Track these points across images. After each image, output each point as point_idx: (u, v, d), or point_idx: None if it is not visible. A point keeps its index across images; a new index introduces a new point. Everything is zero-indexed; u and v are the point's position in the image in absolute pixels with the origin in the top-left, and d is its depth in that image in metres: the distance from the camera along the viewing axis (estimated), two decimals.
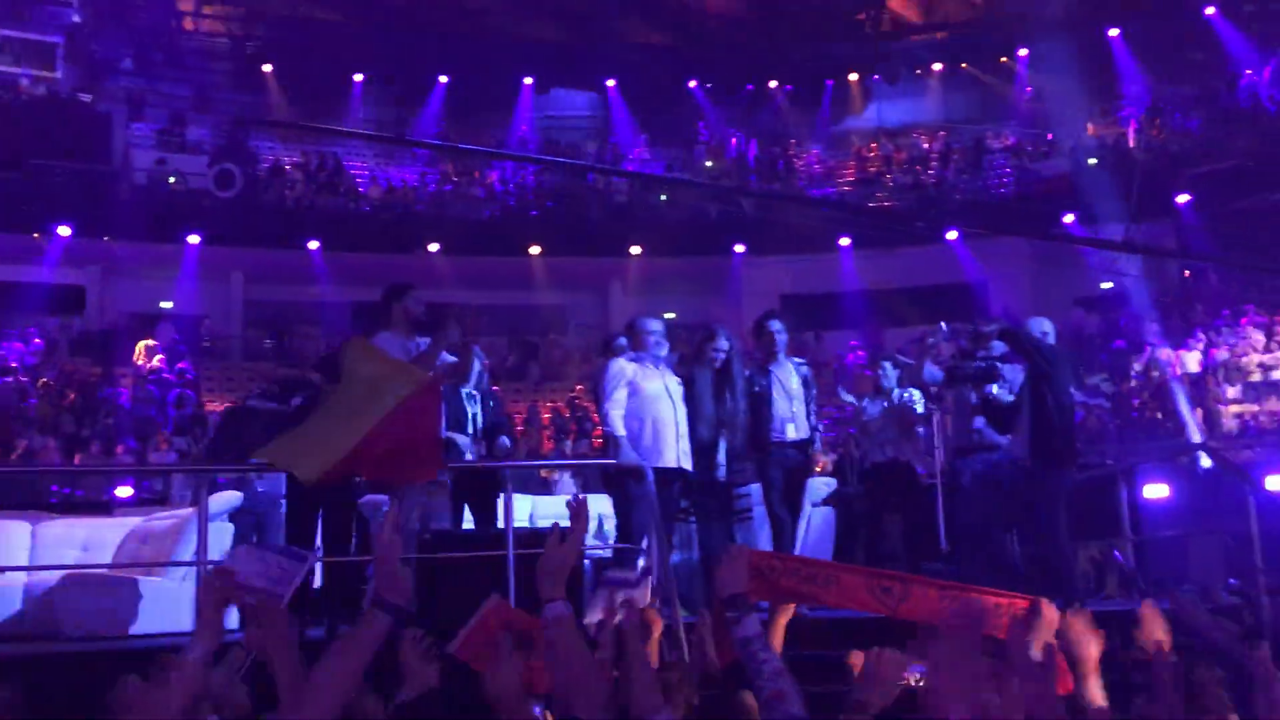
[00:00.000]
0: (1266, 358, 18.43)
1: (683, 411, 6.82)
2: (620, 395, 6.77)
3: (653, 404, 6.75)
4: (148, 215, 20.36)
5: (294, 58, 24.29)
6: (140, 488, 15.00)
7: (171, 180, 21.47)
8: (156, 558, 7.28)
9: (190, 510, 7.03)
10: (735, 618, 2.74)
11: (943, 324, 7.54)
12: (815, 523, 8.64)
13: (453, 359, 6.76)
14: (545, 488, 11.91)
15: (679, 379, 7.01)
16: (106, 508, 12.04)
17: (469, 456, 7.28)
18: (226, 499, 7.96)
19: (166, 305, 22.02)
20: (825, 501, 8.94)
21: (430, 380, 6.00)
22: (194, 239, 20.79)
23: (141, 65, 23.98)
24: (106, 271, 21.71)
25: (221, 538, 7.73)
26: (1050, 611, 3.49)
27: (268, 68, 24.46)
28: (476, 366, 7.39)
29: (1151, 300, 20.16)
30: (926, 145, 25.32)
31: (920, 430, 8.15)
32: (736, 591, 2.80)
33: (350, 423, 5.69)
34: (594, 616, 5.30)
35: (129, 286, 21.78)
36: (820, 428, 7.63)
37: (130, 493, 14.55)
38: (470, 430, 7.40)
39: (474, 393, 7.38)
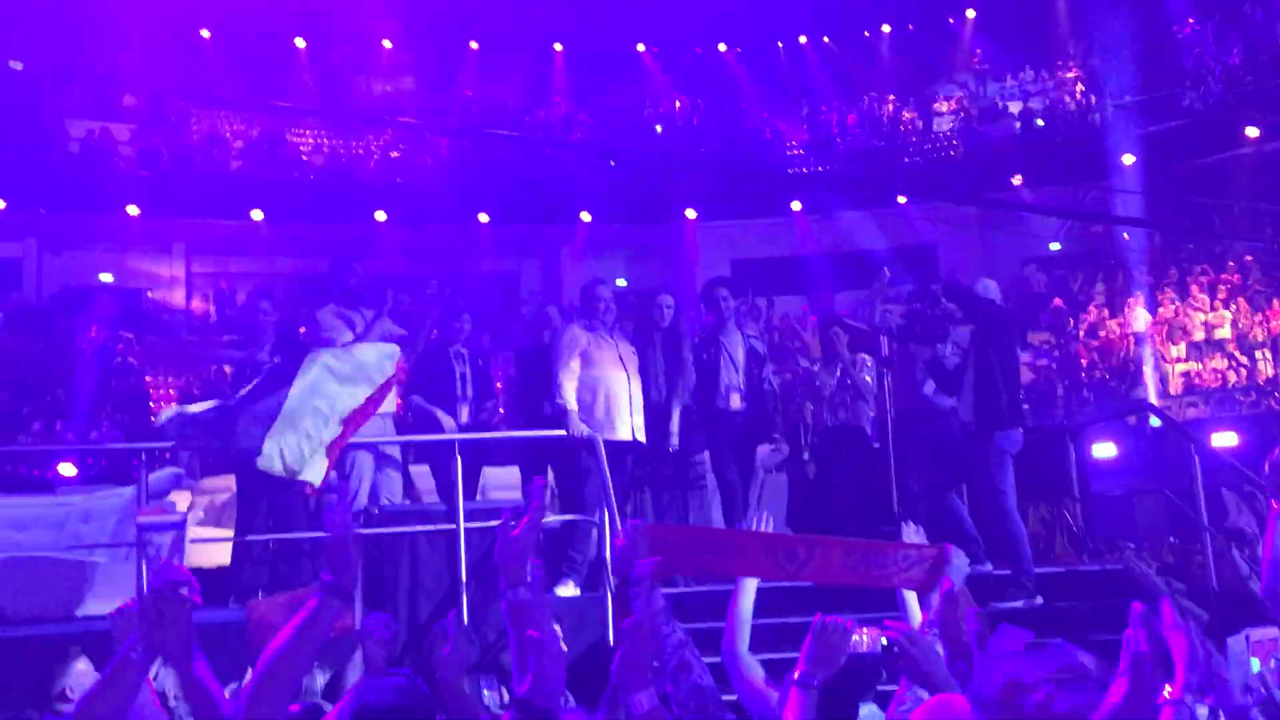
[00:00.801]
0: (1211, 316, 18.72)
1: (636, 383, 6.76)
2: (574, 365, 6.68)
3: (605, 374, 6.68)
4: (83, 186, 19.89)
5: (232, 22, 23.73)
6: (84, 465, 14.75)
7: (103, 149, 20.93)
8: (98, 537, 7.15)
9: (133, 489, 6.87)
10: (641, 593, 2.74)
11: (885, 269, 7.54)
12: (767, 489, 8.64)
13: (400, 330, 6.66)
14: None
15: (634, 348, 6.95)
16: (49, 486, 11.83)
17: (457, 423, 7.07)
18: (169, 475, 7.84)
19: (107, 278, 21.56)
20: (777, 468, 8.94)
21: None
22: (133, 210, 20.32)
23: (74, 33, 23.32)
24: (42, 245, 21.20)
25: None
26: (958, 558, 3.54)
27: (205, 33, 23.90)
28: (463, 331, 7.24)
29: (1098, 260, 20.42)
30: (877, 109, 25.34)
31: (871, 395, 8.16)
32: (638, 567, 2.80)
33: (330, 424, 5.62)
34: None
35: (66, 260, 21.27)
36: (778, 394, 7.56)
37: (74, 471, 14.31)
38: (459, 390, 7.22)
39: (461, 350, 7.20)
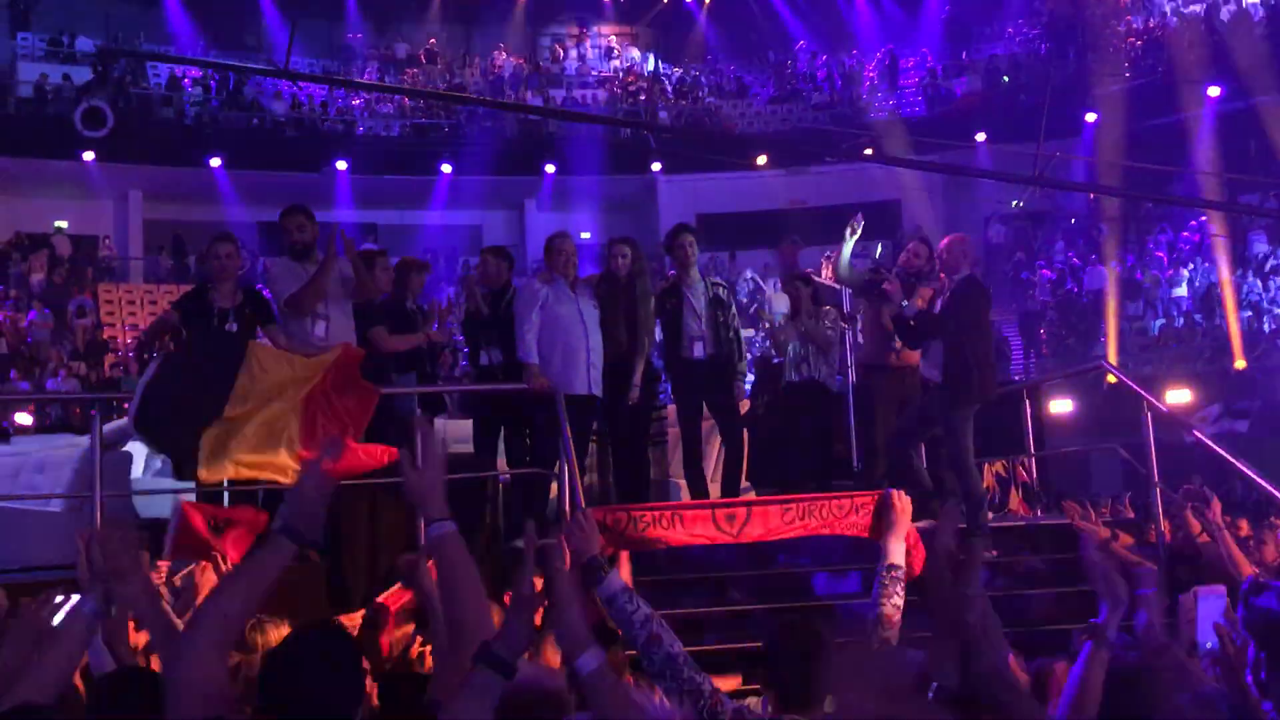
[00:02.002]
0: (1168, 274, 18.94)
1: (596, 337, 6.73)
2: (534, 318, 6.65)
3: (564, 328, 6.65)
4: (37, 130, 19.48)
5: None
6: (38, 414, 14.60)
7: (55, 94, 20.47)
8: (54, 488, 7.08)
9: (87, 439, 6.79)
10: (597, 579, 2.77)
11: (859, 216, 7.44)
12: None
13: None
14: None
15: (595, 302, 6.90)
16: (4, 435, 11.69)
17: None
18: (125, 426, 7.75)
19: (61, 224, 21.19)
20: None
21: (341, 356, 5.63)
22: (88, 155, 19.91)
23: None
24: None
25: (122, 466, 7.54)
26: (900, 501, 3.61)
27: None
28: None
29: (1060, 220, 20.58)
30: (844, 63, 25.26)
31: (833, 349, 8.17)
32: (592, 554, 2.82)
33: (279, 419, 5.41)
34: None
35: (20, 205, 20.86)
36: (743, 343, 7.51)
37: (29, 420, 14.16)
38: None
39: (415, 307, 7.11)
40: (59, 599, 2.57)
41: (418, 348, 6.80)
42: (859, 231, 7.34)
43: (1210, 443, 6.24)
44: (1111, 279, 18.73)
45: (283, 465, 5.37)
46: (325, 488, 2.26)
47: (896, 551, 3.67)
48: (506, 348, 6.78)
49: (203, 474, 5.36)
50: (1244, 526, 6.28)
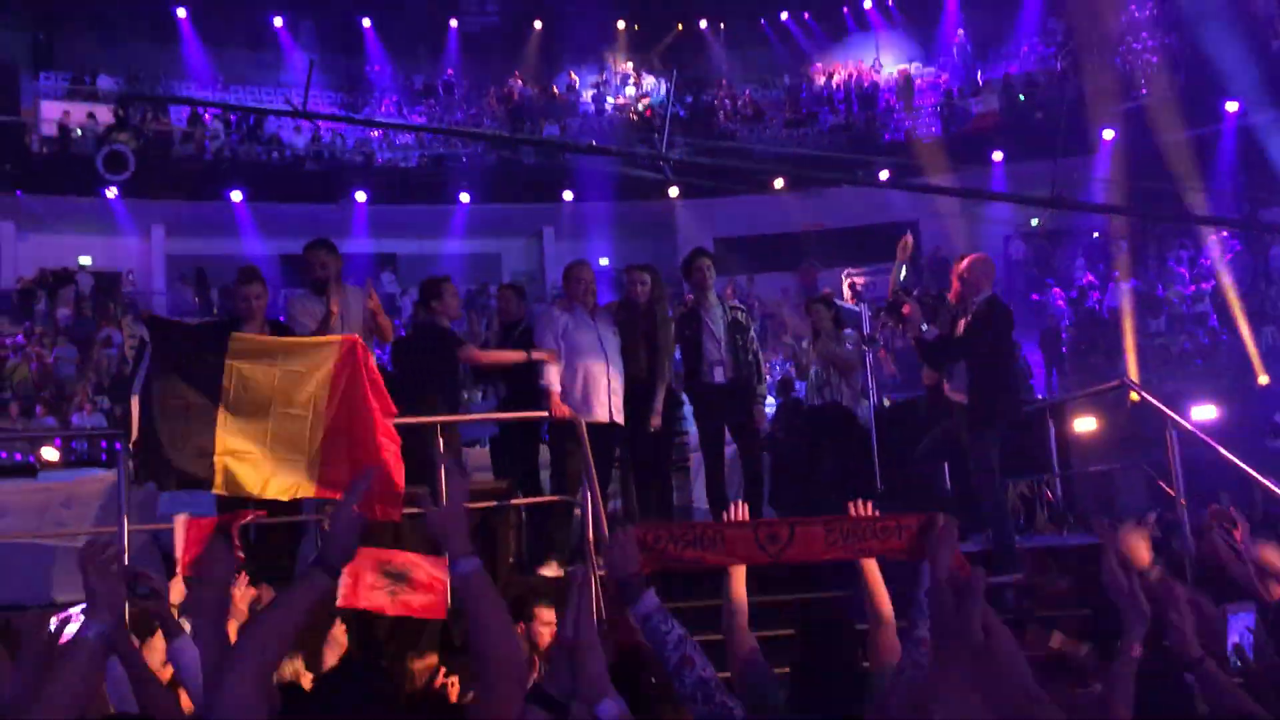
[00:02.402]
0: (1190, 290, 18.83)
1: (617, 364, 6.75)
2: (554, 345, 6.70)
3: (584, 355, 6.67)
4: (60, 167, 19.72)
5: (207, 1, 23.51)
6: (65, 449, 14.69)
7: (79, 132, 20.74)
8: (80, 523, 7.12)
9: (113, 473, 6.84)
10: (633, 597, 2.77)
11: (909, 233, 7.34)
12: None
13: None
14: None
15: (615, 329, 6.93)
16: (30, 470, 11.77)
17: None
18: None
19: (85, 260, 21.41)
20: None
21: (344, 349, 5.54)
22: (111, 192, 20.15)
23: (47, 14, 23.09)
24: (20, 226, 21.02)
25: (149, 501, 7.58)
26: (947, 524, 3.56)
27: (182, 13, 23.68)
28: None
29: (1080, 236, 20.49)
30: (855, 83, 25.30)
31: (855, 371, 8.16)
32: (629, 572, 2.81)
33: (296, 436, 5.33)
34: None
35: (44, 241, 21.10)
36: (764, 367, 7.48)
37: (55, 455, 14.24)
38: None
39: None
40: (56, 618, 2.57)
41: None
42: (910, 250, 7.22)
43: (1236, 460, 6.18)
44: (1127, 296, 18.64)
45: (303, 485, 5.34)
46: (356, 524, 2.28)
47: (925, 575, 3.63)
48: (514, 382, 6.84)
49: (219, 490, 5.36)
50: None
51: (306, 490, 5.37)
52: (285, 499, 5.41)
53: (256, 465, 5.28)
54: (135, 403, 5.39)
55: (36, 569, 6.33)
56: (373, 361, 5.58)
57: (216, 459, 5.24)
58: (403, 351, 7.14)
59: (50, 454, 14.10)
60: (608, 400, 6.64)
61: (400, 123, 22.51)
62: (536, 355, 6.68)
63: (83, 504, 7.33)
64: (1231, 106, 19.43)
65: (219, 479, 5.26)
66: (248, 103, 22.87)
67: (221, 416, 5.27)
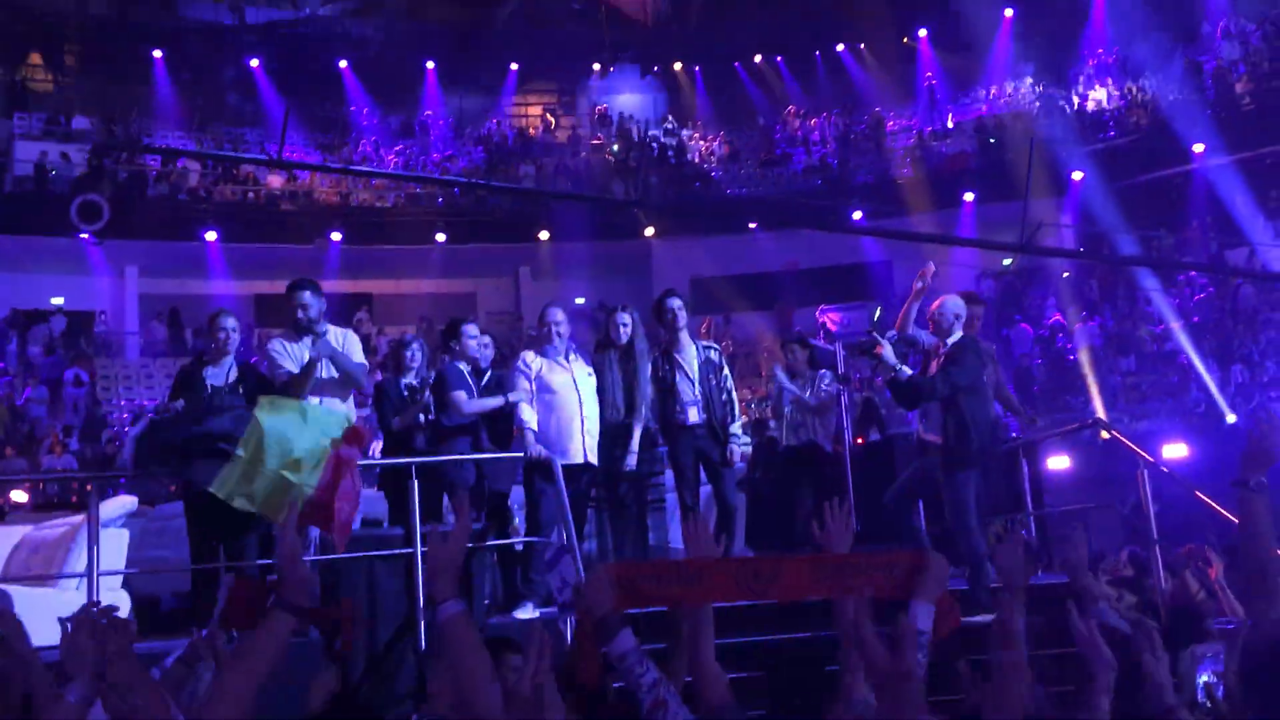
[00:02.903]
0: (1159, 329, 19.02)
1: (592, 405, 6.76)
2: (526, 386, 6.71)
3: (558, 397, 6.69)
4: (34, 208, 19.62)
5: (182, 43, 23.58)
6: (35, 492, 14.51)
7: (53, 172, 20.67)
8: (48, 567, 7.03)
9: (82, 517, 6.76)
10: (608, 637, 2.76)
11: (931, 264, 7.16)
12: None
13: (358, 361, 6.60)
14: None
15: (590, 370, 6.95)
16: None
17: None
18: (121, 504, 7.71)
19: (58, 301, 21.27)
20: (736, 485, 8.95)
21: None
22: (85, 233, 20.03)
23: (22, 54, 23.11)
24: None
25: (117, 545, 7.49)
26: (936, 563, 3.53)
27: (157, 53, 23.72)
28: (419, 359, 7.17)
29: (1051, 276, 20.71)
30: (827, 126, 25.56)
31: (830, 411, 8.19)
32: (605, 611, 2.80)
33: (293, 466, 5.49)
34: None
35: (17, 283, 20.94)
36: (737, 408, 7.46)
37: (24, 498, 14.06)
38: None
39: (413, 383, 7.14)
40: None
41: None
42: (929, 282, 6.99)
43: (1209, 500, 6.23)
44: (1089, 335, 18.85)
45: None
46: (297, 549, 2.28)
47: (924, 616, 3.58)
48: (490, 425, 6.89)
49: (216, 491, 5.43)
50: None
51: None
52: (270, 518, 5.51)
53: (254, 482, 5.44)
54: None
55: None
56: (358, 450, 5.70)
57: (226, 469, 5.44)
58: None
59: (19, 496, 13.93)
60: (582, 441, 6.65)
61: (375, 170, 22.52)
62: (513, 397, 6.69)
63: (52, 549, 7.23)
64: (1198, 148, 19.75)
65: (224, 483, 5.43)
66: (225, 143, 22.90)
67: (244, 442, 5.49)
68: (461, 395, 6.67)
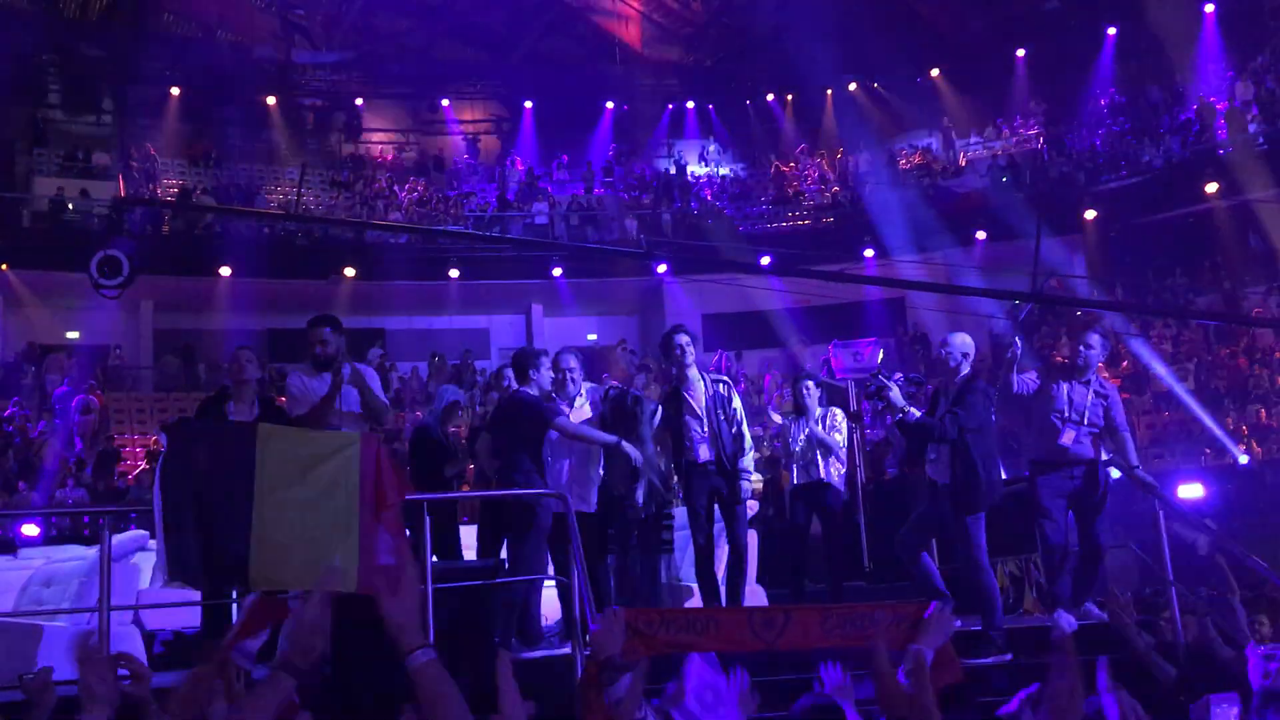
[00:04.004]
0: (1174, 369, 18.93)
1: (598, 452, 6.80)
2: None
3: (572, 447, 6.70)
4: (51, 243, 19.79)
5: (201, 78, 23.86)
6: (47, 525, 14.52)
7: (70, 206, 20.87)
8: (60, 601, 7.03)
9: (96, 551, 6.77)
10: (611, 680, 2.75)
11: (1018, 341, 7.21)
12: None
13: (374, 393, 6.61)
14: None
15: (595, 417, 6.98)
16: (10, 547, 11.65)
17: None
18: (133, 538, 7.72)
19: (73, 336, 21.38)
20: (749, 524, 8.91)
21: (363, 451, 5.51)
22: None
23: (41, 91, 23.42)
24: (9, 302, 21.02)
25: (130, 579, 7.50)
26: (940, 613, 3.53)
27: (175, 91, 24.01)
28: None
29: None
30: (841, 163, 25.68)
31: (841, 450, 8.16)
32: (612, 653, 2.80)
33: (336, 526, 5.23)
34: None
35: (33, 317, 21.07)
36: (748, 441, 7.36)
37: (36, 531, 14.07)
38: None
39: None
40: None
41: None
42: (1018, 354, 6.94)
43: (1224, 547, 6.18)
44: (1116, 372, 18.73)
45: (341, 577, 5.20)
46: (324, 619, 2.25)
47: (926, 659, 3.59)
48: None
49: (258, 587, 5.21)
50: (1265, 624, 6.19)
51: (348, 585, 5.26)
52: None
53: (298, 562, 5.13)
54: (156, 506, 5.29)
55: (16, 649, 6.23)
56: (386, 458, 5.54)
57: (253, 555, 5.07)
58: (496, 420, 7.11)
59: (31, 530, 13.93)
60: (595, 492, 6.68)
61: (387, 223, 22.62)
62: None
63: (63, 583, 7.24)
64: (1211, 188, 19.77)
65: (254, 575, 5.10)
66: (239, 178, 23.10)
67: (256, 519, 5.14)
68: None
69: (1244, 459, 15.76)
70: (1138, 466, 6.87)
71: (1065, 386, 6.85)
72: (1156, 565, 6.29)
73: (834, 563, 7.85)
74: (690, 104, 27.19)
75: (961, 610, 6.64)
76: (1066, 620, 5.54)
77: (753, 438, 7.81)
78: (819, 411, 7.96)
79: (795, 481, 7.97)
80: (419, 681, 2.31)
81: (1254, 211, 18.91)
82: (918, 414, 6.47)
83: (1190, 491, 13.76)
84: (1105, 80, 23.79)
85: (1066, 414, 6.80)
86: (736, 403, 7.23)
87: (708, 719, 3.30)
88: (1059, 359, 6.71)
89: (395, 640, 2.33)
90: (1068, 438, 6.75)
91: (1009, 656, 6.14)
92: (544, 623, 6.73)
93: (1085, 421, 6.79)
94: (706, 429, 7.00)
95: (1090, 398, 6.81)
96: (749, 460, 7.22)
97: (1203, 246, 20.69)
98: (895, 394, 6.45)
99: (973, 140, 25.11)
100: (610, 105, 26.79)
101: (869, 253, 21.63)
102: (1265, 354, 18.49)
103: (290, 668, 2.20)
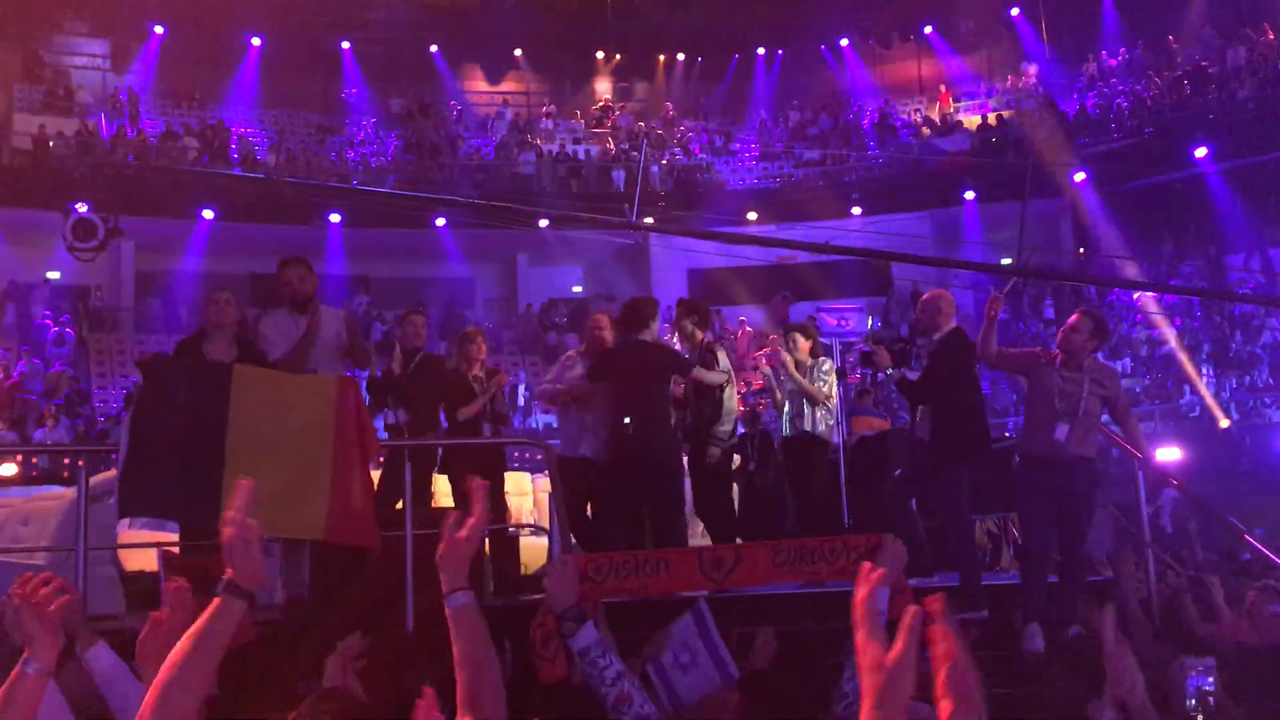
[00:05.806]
0: (1154, 333, 19.02)
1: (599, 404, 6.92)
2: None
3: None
4: (31, 181, 19.54)
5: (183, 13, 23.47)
6: (26, 464, 14.47)
7: (51, 144, 20.58)
8: (38, 540, 7.00)
9: (73, 490, 6.72)
10: (571, 631, 2.73)
11: (1000, 295, 6.94)
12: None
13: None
14: None
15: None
16: None
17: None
18: (113, 479, 7.67)
19: (53, 275, 21.18)
20: (726, 475, 8.91)
21: (339, 389, 5.46)
22: (82, 207, 19.86)
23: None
24: None
25: (108, 518, 7.46)
26: (893, 545, 3.49)
27: (159, 29, 23.62)
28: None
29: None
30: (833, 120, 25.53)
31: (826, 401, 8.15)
32: (569, 604, 2.78)
33: (306, 471, 5.19)
34: None
35: (12, 255, 20.83)
36: (726, 407, 7.40)
37: (14, 470, 14.02)
38: None
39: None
40: None
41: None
42: (1000, 310, 6.40)
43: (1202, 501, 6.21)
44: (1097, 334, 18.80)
45: (310, 523, 5.20)
46: (249, 534, 2.22)
47: (881, 597, 3.58)
48: (411, 408, 6.88)
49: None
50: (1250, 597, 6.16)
51: (315, 533, 5.24)
52: (295, 538, 5.35)
53: (264, 503, 5.10)
54: (123, 439, 5.26)
55: None
56: (362, 401, 5.51)
57: (223, 491, 5.03)
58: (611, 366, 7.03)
59: (9, 469, 13.88)
60: (592, 437, 6.88)
61: (375, 189, 22.29)
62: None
63: (41, 521, 7.20)
64: (1200, 153, 19.73)
65: (225, 511, 5.05)
66: (223, 117, 22.78)
67: (229, 456, 5.11)
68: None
69: (1226, 422, 15.89)
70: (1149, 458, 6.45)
71: (1056, 376, 6.10)
72: (1134, 527, 6.32)
73: (814, 518, 7.87)
74: (680, 56, 26.93)
75: (939, 566, 6.69)
76: (1036, 642, 5.54)
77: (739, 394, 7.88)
78: (808, 362, 7.95)
79: (784, 433, 7.98)
80: (455, 623, 2.30)
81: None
82: (913, 376, 6.49)
83: (1168, 455, 13.87)
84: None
85: (1058, 407, 6.07)
86: (724, 362, 7.33)
87: (678, 678, 3.30)
88: (1047, 355, 6.24)
89: (438, 578, 2.34)
90: (1060, 434, 6.03)
91: (985, 613, 6.18)
92: None
93: (1080, 414, 6.04)
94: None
95: (1085, 387, 6.07)
96: (723, 427, 7.26)
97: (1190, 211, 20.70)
98: (883, 356, 6.48)
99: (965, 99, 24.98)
100: (601, 55, 26.52)
101: (856, 210, 21.58)
102: (1244, 320, 18.59)
103: (236, 590, 2.15)
